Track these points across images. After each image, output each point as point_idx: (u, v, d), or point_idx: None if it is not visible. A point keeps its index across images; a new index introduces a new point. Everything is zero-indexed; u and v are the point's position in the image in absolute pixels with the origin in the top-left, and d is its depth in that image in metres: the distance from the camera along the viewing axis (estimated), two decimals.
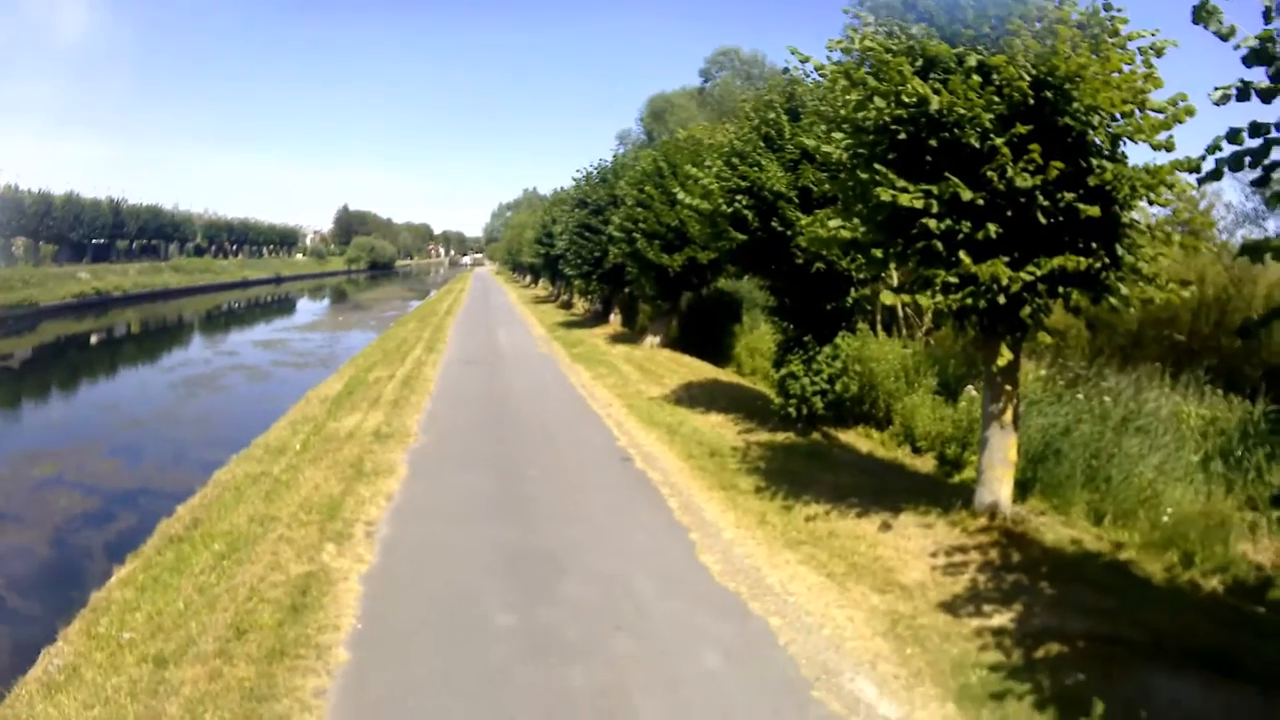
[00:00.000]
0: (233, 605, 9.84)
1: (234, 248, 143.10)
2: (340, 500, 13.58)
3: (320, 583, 10.35)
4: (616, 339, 37.79)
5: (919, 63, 10.32)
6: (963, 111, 9.65)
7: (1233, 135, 5.56)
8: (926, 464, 16.07)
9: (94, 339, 64.32)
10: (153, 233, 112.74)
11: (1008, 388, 11.21)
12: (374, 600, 9.93)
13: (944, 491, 13.01)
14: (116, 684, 8.48)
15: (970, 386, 16.20)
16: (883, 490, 13.33)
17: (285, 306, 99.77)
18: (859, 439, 18.21)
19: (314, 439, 18.91)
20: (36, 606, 14.43)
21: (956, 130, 9.82)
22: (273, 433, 21.13)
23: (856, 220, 10.93)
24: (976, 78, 9.71)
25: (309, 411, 23.33)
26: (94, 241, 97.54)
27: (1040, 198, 9.57)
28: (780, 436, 17.61)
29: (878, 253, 10.83)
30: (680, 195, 19.97)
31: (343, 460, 16.17)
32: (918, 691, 7.71)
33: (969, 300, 9.94)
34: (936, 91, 9.74)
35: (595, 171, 41.77)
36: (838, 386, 17.92)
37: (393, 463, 16.03)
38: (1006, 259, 9.72)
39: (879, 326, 22.29)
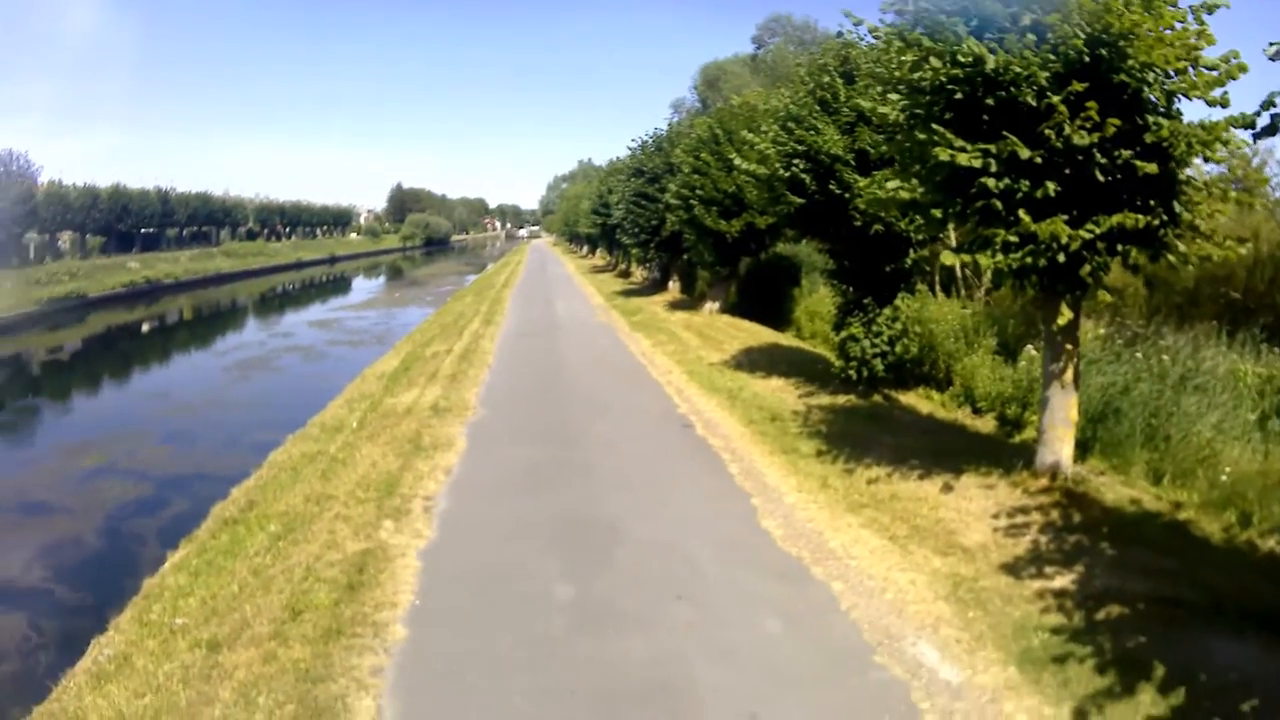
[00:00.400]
0: (288, 586, 9.87)
1: (287, 230, 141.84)
2: (398, 476, 13.56)
3: (378, 560, 10.34)
4: (675, 306, 37.82)
5: (973, 22, 10.24)
6: (1019, 70, 9.59)
7: None
8: (987, 424, 15.97)
9: (145, 327, 63.78)
10: (203, 219, 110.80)
11: (1068, 347, 11.15)
12: (432, 576, 9.90)
13: (1005, 452, 12.95)
14: (169, 671, 8.45)
15: (1030, 346, 16.10)
16: (944, 451, 13.28)
17: (340, 286, 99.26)
18: (919, 400, 18.16)
19: (371, 416, 18.97)
20: (86, 597, 14.56)
21: (1013, 89, 9.75)
22: (329, 411, 21.15)
23: (915, 181, 10.89)
24: (1031, 36, 9.63)
25: (365, 389, 23.45)
26: (143, 231, 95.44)
27: (1098, 155, 9.47)
28: (841, 399, 17.61)
29: (937, 213, 10.80)
30: (737, 161, 19.96)
31: (400, 436, 16.19)
32: (979, 655, 7.71)
33: (1029, 259, 9.89)
34: (992, 50, 9.68)
35: (651, 140, 41.59)
36: (898, 348, 17.91)
37: (451, 437, 16.00)
38: (1065, 217, 9.66)
39: (937, 287, 22.18)
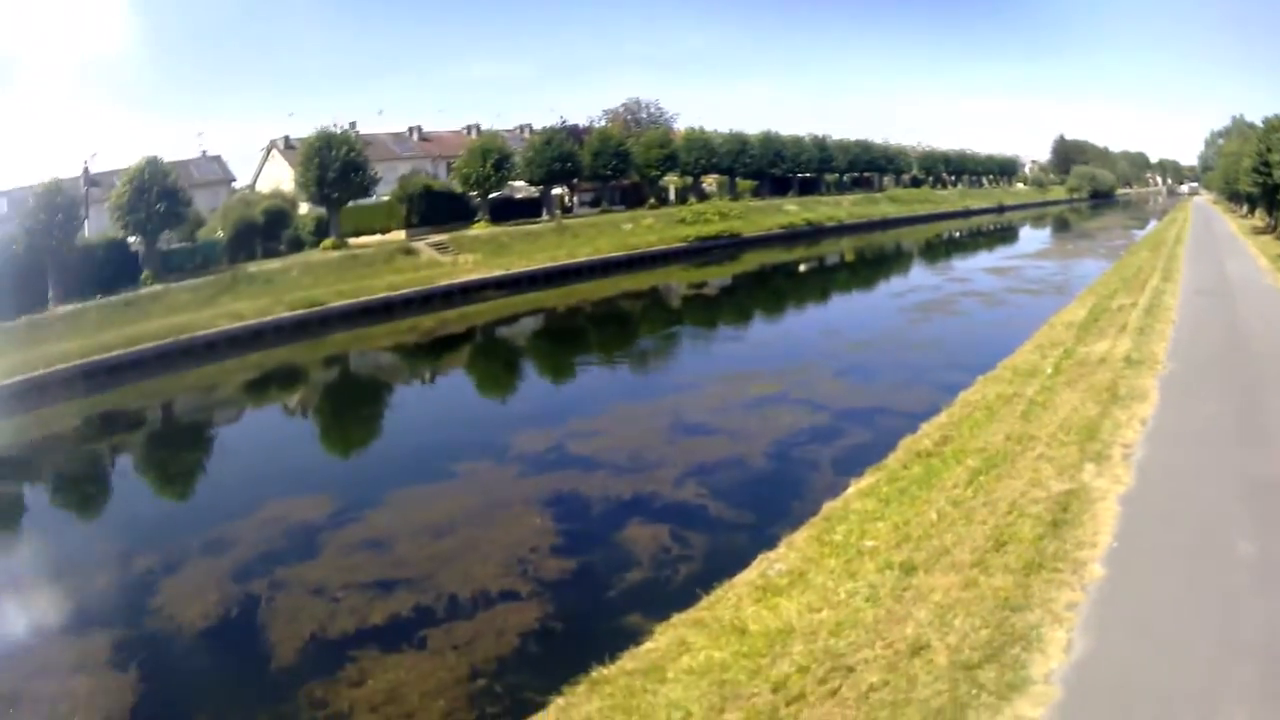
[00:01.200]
0: (991, 519, 10.24)
1: (952, 178, 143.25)
2: (1097, 423, 13.87)
3: (1080, 501, 10.52)
4: None
5: None
6: None
7: None
8: None
9: (803, 267, 67.25)
10: (863, 166, 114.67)
11: None
12: (1129, 520, 10.01)
13: None
14: (852, 589, 8.91)
15: None
16: None
17: (1008, 235, 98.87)
18: None
19: (1065, 363, 19.47)
20: (744, 515, 15.14)
21: None
22: (1018, 356, 21.81)
23: None
24: None
25: (1055, 336, 24.09)
26: (799, 176, 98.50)
27: None
28: None
29: None
30: None
31: (1097, 384, 16.53)
32: None
33: None
34: None
35: None
36: None
37: (1144, 388, 16.15)
38: None
39: None
